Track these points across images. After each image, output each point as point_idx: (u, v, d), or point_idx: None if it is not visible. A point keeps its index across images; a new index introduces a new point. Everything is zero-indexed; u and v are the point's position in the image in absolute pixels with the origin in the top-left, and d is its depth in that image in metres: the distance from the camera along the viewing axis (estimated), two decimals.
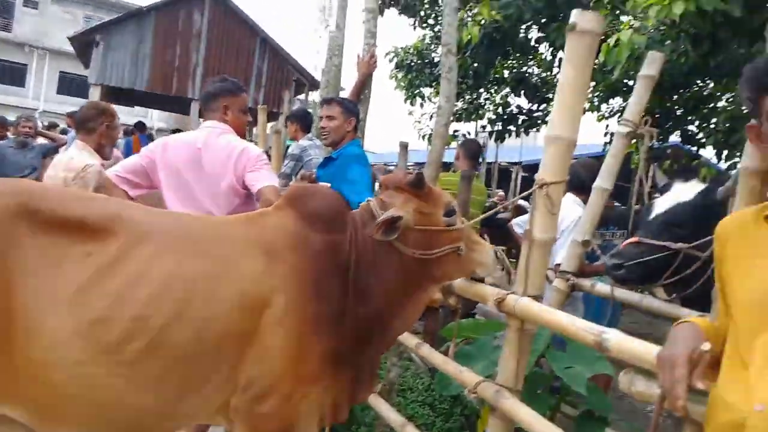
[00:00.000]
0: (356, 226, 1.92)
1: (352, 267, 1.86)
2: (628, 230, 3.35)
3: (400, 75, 8.64)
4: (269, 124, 8.41)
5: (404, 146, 4.03)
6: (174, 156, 2.71)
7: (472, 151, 4.43)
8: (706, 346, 1.17)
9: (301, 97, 19.03)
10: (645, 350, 1.51)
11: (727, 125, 5.07)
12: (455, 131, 10.78)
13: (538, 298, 2.03)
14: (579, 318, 3.54)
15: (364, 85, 3.61)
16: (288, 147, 5.32)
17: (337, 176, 3.03)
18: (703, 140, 7.48)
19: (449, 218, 2.00)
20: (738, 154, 6.99)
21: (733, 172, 2.61)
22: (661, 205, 2.55)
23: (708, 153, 7.99)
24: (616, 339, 1.60)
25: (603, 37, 4.05)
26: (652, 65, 3.04)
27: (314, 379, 1.79)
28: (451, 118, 10.07)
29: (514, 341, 2.05)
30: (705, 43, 3.37)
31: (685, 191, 2.53)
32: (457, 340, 2.78)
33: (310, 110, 6.32)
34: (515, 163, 16.73)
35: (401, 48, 8.44)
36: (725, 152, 6.99)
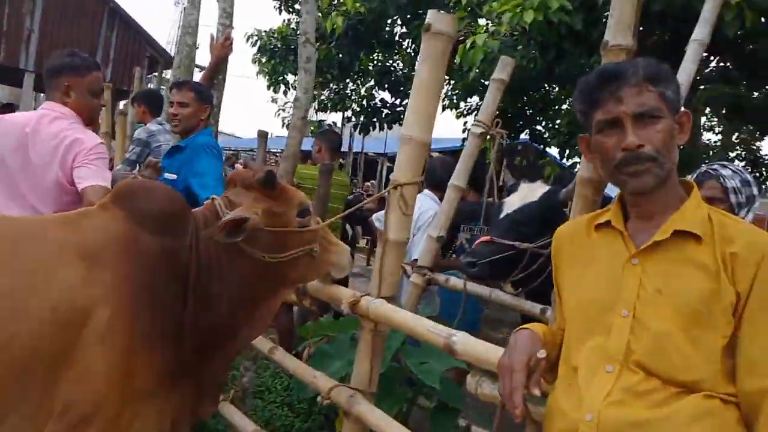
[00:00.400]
0: (198, 227, 1.74)
1: (193, 273, 1.69)
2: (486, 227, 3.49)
3: (263, 60, 8.32)
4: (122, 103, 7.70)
5: (263, 135, 3.84)
6: None
7: (333, 142, 4.33)
8: (542, 353, 1.20)
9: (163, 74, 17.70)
10: (490, 353, 1.54)
11: (568, 128, 5.51)
12: (320, 121, 10.69)
13: (392, 299, 2.01)
14: (435, 310, 3.70)
15: (218, 68, 3.36)
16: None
17: (184, 168, 2.79)
18: (549, 140, 8.16)
19: (303, 219, 1.90)
20: (577, 152, 7.68)
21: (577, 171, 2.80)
22: (510, 205, 2.67)
23: (553, 151, 8.75)
24: (463, 342, 1.61)
25: (462, 39, 4.19)
26: (503, 69, 3.17)
27: (146, 397, 1.60)
28: (316, 108, 9.98)
29: (368, 343, 2.02)
30: (551, 52, 3.61)
31: (531, 192, 2.67)
32: (315, 339, 2.71)
33: (163, 90, 5.85)
34: (382, 155, 17.11)
35: (264, 31, 8.12)
36: (567, 151, 7.68)
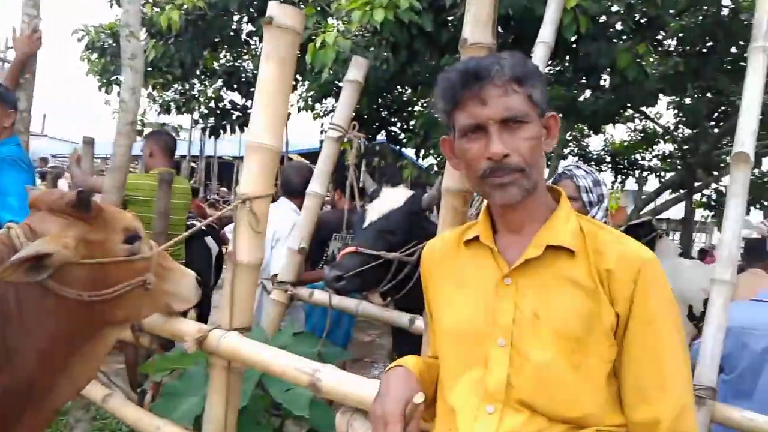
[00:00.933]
0: None
1: None
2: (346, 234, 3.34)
3: (93, 57, 7.45)
4: None
5: (88, 142, 3.34)
6: None
7: (167, 144, 3.84)
8: (419, 397, 1.04)
9: None
10: (361, 390, 1.36)
11: (423, 129, 5.56)
12: (163, 124, 9.89)
13: (247, 330, 1.76)
14: (301, 326, 3.47)
15: (24, 65, 2.83)
16: None
17: None
18: (405, 141, 8.27)
19: (131, 245, 1.58)
20: (433, 154, 7.88)
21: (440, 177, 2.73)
22: (374, 212, 2.53)
23: (410, 152, 8.89)
24: (331, 378, 1.42)
25: (313, 38, 4.00)
26: (357, 70, 3.03)
27: None
28: (159, 110, 9.18)
29: (221, 383, 1.75)
30: (403, 53, 3.56)
31: (394, 198, 2.56)
32: (162, 375, 2.35)
33: None
34: (237, 158, 16.37)
35: (92, 26, 7.26)
36: (423, 152, 7.84)
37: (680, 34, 5.77)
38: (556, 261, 1.07)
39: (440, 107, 1.15)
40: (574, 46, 3.58)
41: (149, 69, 6.69)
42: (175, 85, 8.92)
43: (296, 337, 2.69)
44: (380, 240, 2.41)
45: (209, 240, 4.36)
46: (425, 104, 8.43)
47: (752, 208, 10.77)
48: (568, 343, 1.02)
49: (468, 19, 1.35)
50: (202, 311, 4.33)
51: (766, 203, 10.48)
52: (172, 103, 9.09)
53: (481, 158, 1.07)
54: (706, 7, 5.53)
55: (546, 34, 2.50)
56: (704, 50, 5.93)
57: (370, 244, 2.40)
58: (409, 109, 8.65)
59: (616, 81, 3.65)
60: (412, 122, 8.45)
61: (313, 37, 3.77)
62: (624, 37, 3.82)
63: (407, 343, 2.88)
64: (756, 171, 10.45)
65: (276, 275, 2.95)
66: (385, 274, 2.47)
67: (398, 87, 6.26)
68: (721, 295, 1.75)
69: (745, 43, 5.94)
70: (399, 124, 8.61)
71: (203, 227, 3.47)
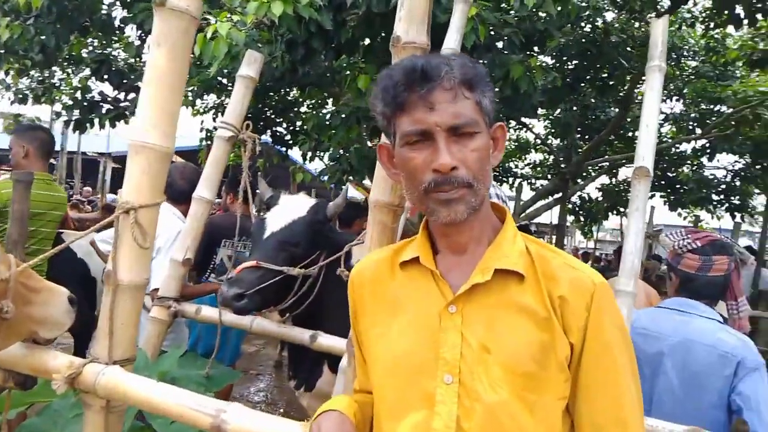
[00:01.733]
0: None
1: None
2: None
3: None
4: None
5: None
6: None
7: (45, 143, 3.32)
8: None
9: None
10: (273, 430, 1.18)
11: (315, 131, 5.38)
12: (17, 116, 8.79)
13: (130, 362, 1.50)
14: (184, 345, 3.15)
15: None
16: None
17: None
18: (291, 142, 8.01)
19: None
20: (321, 155, 7.70)
21: (345, 187, 2.56)
22: (274, 222, 2.33)
23: (296, 154, 8.64)
24: (237, 419, 1.22)
25: (199, 29, 3.67)
26: (251, 65, 2.81)
27: None
28: (12, 99, 8.15)
29: (97, 427, 1.47)
30: (300, 50, 3.38)
31: (296, 206, 2.37)
32: (22, 408, 1.98)
33: None
34: (104, 154, 15.00)
35: None
36: (309, 155, 7.64)
37: (558, 51, 6.13)
38: (504, 286, 0.97)
39: (379, 109, 1.01)
40: (472, 55, 3.62)
41: (2, 52, 5.88)
42: (34, 72, 7.94)
43: (182, 359, 2.42)
44: (283, 253, 2.22)
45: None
46: (316, 105, 8.24)
47: (610, 213, 11.79)
48: (522, 380, 0.92)
49: (402, 16, 1.23)
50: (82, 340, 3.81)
51: (622, 209, 11.49)
52: (29, 92, 8.06)
53: (425, 170, 0.95)
54: (583, 24, 5.93)
55: (452, 41, 2.45)
56: (579, 67, 6.36)
57: (273, 257, 2.20)
58: (296, 109, 8.40)
59: (508, 92, 3.73)
60: (299, 123, 8.22)
61: (200, 28, 3.47)
62: (515, 49, 3.93)
63: (305, 359, 2.71)
64: (613, 180, 11.48)
65: (156, 290, 2.64)
66: (288, 290, 2.29)
67: (287, 86, 6.01)
68: (624, 305, 1.78)
69: (612, 63, 6.45)
70: (285, 125, 8.34)
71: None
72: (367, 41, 3.74)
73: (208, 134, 7.74)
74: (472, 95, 0.95)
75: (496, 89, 4.10)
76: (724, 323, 2.00)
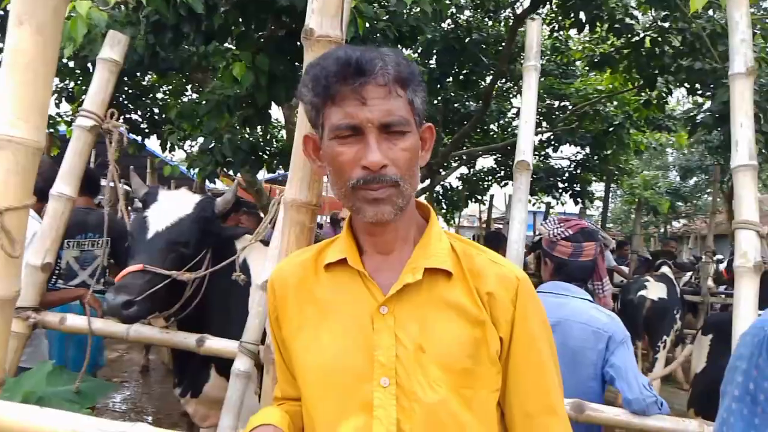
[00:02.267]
0: None
1: None
2: (110, 238, 2.80)
3: None
4: None
5: None
6: None
7: None
8: None
9: None
10: None
11: (179, 121, 5.05)
12: None
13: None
14: (44, 358, 2.82)
15: None
16: None
17: None
18: (147, 131, 7.46)
19: None
20: (185, 145, 7.25)
21: (231, 186, 2.44)
22: (158, 221, 2.15)
23: (153, 143, 8.07)
24: None
25: None
26: (115, 47, 2.55)
27: None
28: None
29: None
30: (167, 34, 3.13)
31: (179, 203, 2.21)
32: None
33: None
34: None
35: None
36: (170, 144, 7.17)
37: (426, 47, 6.35)
38: (434, 285, 0.98)
39: (307, 98, 0.96)
40: None
41: None
42: None
43: (49, 375, 2.16)
44: (172, 254, 2.07)
45: None
46: (174, 91, 7.74)
47: (469, 201, 12.51)
48: (458, 377, 0.94)
49: (315, 7, 1.18)
50: None
51: (479, 197, 12.25)
52: None
53: (354, 166, 0.92)
54: (449, 22, 6.19)
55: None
56: (444, 62, 6.63)
57: (160, 259, 2.04)
58: (152, 95, 7.85)
59: None
60: (156, 110, 7.69)
61: None
62: (389, 43, 3.99)
63: (190, 364, 2.56)
64: (471, 170, 12.20)
65: None
66: (178, 294, 2.14)
67: (146, 71, 5.57)
68: None
69: (473, 59, 6.81)
70: (140, 112, 7.75)
71: None
72: (241, 28, 3.58)
73: (51, 122, 6.96)
74: (404, 93, 0.94)
75: None
76: (593, 301, 2.21)
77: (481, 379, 0.95)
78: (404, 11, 3.95)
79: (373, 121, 0.91)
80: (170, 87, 8.18)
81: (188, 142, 7.53)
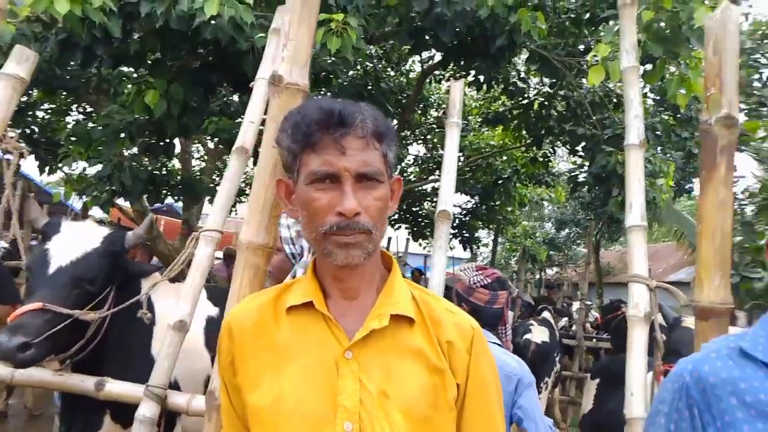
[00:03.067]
0: None
1: None
2: None
3: None
4: None
5: None
6: None
7: None
8: None
9: None
10: None
11: (69, 143, 4.72)
12: None
13: None
14: None
15: None
16: None
17: None
18: (29, 152, 6.89)
19: None
20: (61, 166, 6.74)
21: (146, 219, 2.34)
22: (61, 254, 1.99)
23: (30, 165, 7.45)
24: None
25: None
26: (22, 64, 2.39)
27: None
28: None
29: None
30: (78, 54, 2.94)
31: (85, 236, 2.07)
32: None
33: None
34: None
35: None
36: (49, 168, 6.66)
37: (337, 91, 6.49)
38: (397, 331, 1.01)
39: (285, 144, 0.98)
40: None
41: None
42: None
43: None
44: (76, 290, 1.92)
45: None
46: (58, 111, 7.25)
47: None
48: (420, 424, 0.96)
49: (285, 56, 1.20)
50: None
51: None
52: None
53: (329, 212, 0.95)
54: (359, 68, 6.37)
55: (265, 72, 2.45)
56: None
57: (63, 297, 1.88)
58: (31, 113, 7.29)
59: None
60: (35, 129, 7.15)
61: None
62: None
63: (81, 407, 2.35)
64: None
65: None
66: (79, 334, 1.99)
67: (36, 87, 5.17)
68: None
69: (382, 107, 7.05)
70: (19, 131, 7.14)
71: None
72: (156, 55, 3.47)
73: None
74: (380, 146, 0.99)
75: None
76: (502, 345, 2.35)
77: (439, 424, 0.99)
78: (318, 55, 4.04)
79: (350, 170, 0.95)
80: (54, 106, 7.66)
81: (74, 166, 7.05)
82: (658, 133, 5.96)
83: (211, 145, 7.78)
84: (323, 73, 4.15)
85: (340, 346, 0.98)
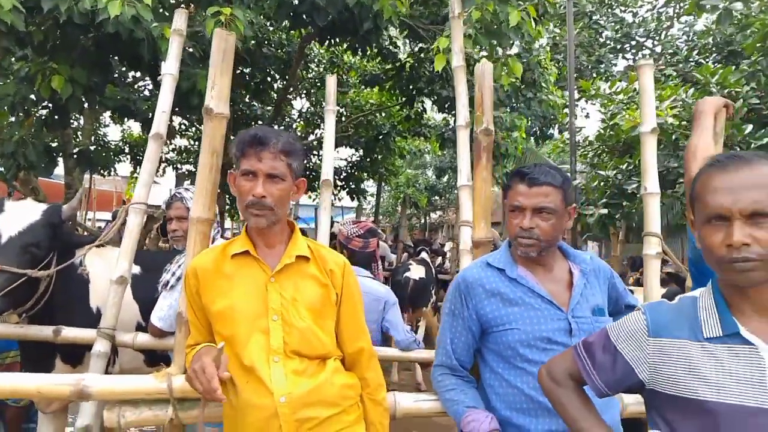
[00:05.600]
0: None
1: None
2: None
3: None
4: None
5: None
6: None
7: None
8: (222, 344, 1.55)
9: None
10: (121, 385, 1.65)
11: None
12: None
13: None
14: None
15: None
16: None
17: None
18: None
19: None
20: None
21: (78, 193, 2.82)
22: (9, 226, 2.45)
23: None
24: (95, 382, 1.63)
25: None
26: None
27: None
28: None
29: None
30: None
31: (27, 210, 2.52)
32: None
33: None
34: None
35: None
36: None
37: None
38: (300, 265, 1.72)
39: (234, 151, 1.66)
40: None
41: None
42: None
43: None
44: (26, 255, 2.40)
45: None
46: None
47: None
48: (315, 313, 1.69)
49: (213, 94, 1.81)
50: None
51: None
52: None
53: (249, 194, 1.62)
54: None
55: (171, 67, 2.93)
56: (235, 74, 7.14)
57: (16, 259, 2.36)
58: None
59: (195, 101, 4.30)
60: None
61: None
62: (197, 63, 4.48)
63: (36, 353, 2.82)
64: None
65: None
66: (31, 291, 2.48)
67: None
68: None
69: (264, 71, 7.43)
70: None
71: None
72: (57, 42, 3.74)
73: None
74: (286, 159, 1.66)
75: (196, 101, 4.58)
76: (374, 278, 3.14)
77: (327, 314, 1.72)
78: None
79: (262, 170, 1.63)
80: None
81: None
82: (509, 93, 6.94)
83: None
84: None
85: (266, 275, 1.68)
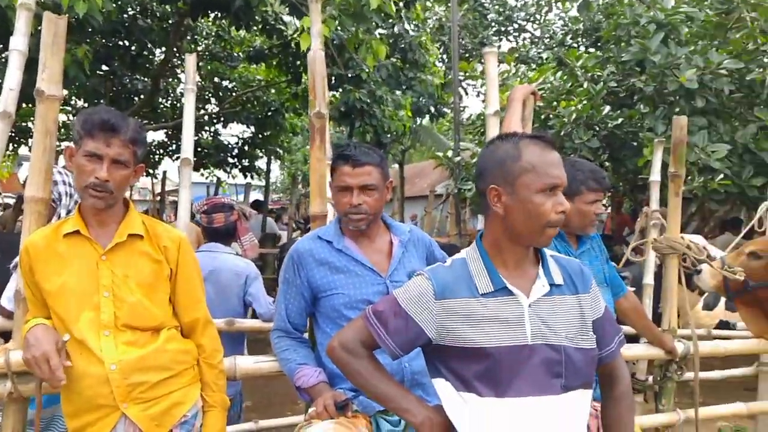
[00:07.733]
0: None
1: None
2: None
3: None
4: None
5: None
6: None
7: None
8: (66, 337, 1.63)
9: None
10: None
11: None
12: None
13: None
14: None
15: None
16: None
17: None
18: None
19: None
20: None
21: None
22: None
23: None
24: None
25: None
26: None
27: None
28: None
29: None
30: None
31: None
32: None
33: None
34: None
35: None
36: None
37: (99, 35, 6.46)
38: (132, 243, 1.79)
39: (77, 127, 1.68)
40: None
41: None
42: None
43: None
44: None
45: None
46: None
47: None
48: (147, 288, 1.78)
49: (44, 77, 1.82)
50: None
51: (151, 171, 12.35)
52: None
53: (90, 175, 1.67)
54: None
55: (19, 43, 2.84)
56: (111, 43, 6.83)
57: None
58: None
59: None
60: None
61: None
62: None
63: None
64: None
65: None
66: None
67: None
68: None
69: (141, 43, 7.15)
70: None
71: None
72: None
73: None
74: (132, 147, 1.73)
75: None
76: (238, 254, 3.25)
77: (159, 287, 1.82)
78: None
79: (109, 155, 1.69)
80: None
81: None
82: (391, 74, 7.18)
83: None
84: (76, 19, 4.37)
85: (97, 254, 1.75)
